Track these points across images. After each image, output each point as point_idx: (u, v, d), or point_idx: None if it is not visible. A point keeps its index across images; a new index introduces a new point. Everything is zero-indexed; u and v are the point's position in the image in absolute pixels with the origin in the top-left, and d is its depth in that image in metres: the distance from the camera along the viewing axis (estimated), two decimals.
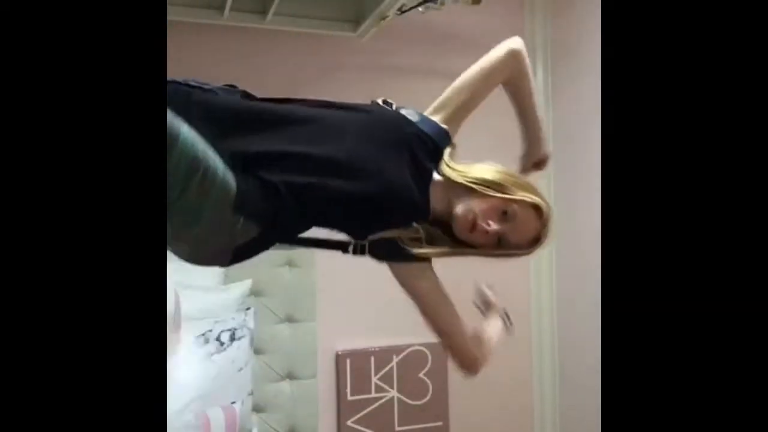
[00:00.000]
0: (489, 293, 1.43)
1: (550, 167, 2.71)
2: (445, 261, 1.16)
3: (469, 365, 1.23)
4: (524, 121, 1.29)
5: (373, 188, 1.06)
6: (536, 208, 1.12)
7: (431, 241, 1.15)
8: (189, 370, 1.92)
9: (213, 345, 2.04)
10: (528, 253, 1.15)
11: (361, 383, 2.47)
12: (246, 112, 1.07)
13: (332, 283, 2.40)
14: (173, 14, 2.01)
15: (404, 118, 1.14)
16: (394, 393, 2.50)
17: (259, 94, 1.13)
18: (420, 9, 2.20)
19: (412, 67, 2.53)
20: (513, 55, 1.21)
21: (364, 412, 2.46)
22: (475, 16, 2.45)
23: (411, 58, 2.55)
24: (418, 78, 2.39)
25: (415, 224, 1.14)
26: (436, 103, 1.20)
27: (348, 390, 2.45)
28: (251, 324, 2.16)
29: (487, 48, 1.22)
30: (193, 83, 1.08)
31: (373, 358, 2.47)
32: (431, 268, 1.19)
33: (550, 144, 1.35)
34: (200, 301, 2.09)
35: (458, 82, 1.20)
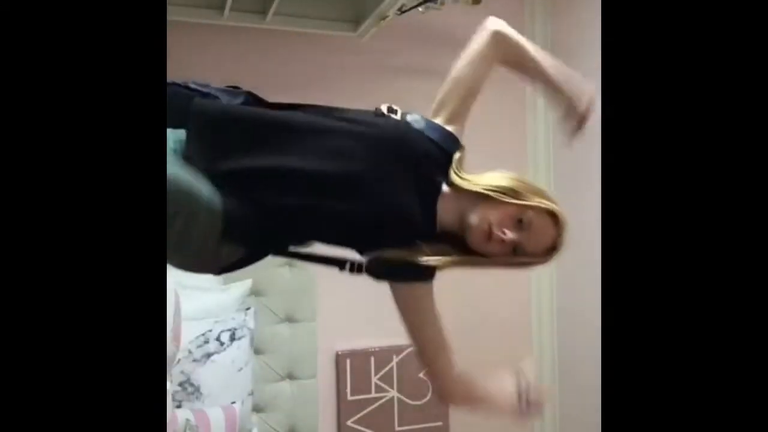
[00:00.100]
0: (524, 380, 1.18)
1: (551, 168, 2.74)
2: (444, 272, 1.11)
3: (445, 395, 1.20)
4: (545, 82, 1.21)
5: (369, 209, 1.03)
6: (552, 214, 1.08)
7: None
8: None
9: (213, 345, 2.04)
10: (544, 262, 1.11)
11: (361, 383, 2.47)
12: (243, 122, 1.04)
13: (332, 283, 2.37)
14: (173, 14, 2.01)
15: (410, 130, 1.10)
16: (394, 393, 2.50)
17: (259, 94, 1.12)
18: (420, 9, 2.20)
19: (412, 67, 2.53)
20: (495, 36, 1.18)
21: (364, 412, 2.46)
22: (475, 16, 2.43)
23: (411, 58, 2.54)
24: (418, 78, 2.38)
25: (418, 242, 1.08)
26: (435, 105, 1.18)
27: (348, 390, 2.45)
28: (251, 324, 2.16)
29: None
30: (192, 85, 1.06)
31: (373, 358, 2.48)
32: (432, 292, 1.15)
33: (583, 82, 1.21)
34: (200, 301, 2.09)
35: (450, 78, 1.18)
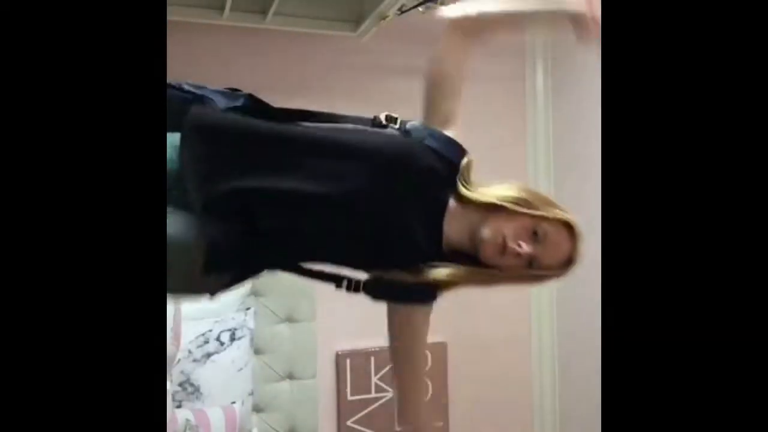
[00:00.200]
0: None
1: (551, 168, 2.74)
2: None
3: (409, 421, 1.21)
4: (531, 24, 1.18)
5: (369, 232, 0.99)
6: (568, 226, 1.03)
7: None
8: None
9: (213, 345, 2.04)
10: (560, 276, 1.06)
11: (361, 383, 2.47)
12: (240, 138, 0.99)
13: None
14: (173, 14, 2.01)
15: (411, 144, 1.04)
16: (394, 393, 2.50)
17: (259, 95, 1.09)
18: (420, 9, 2.20)
19: (412, 67, 2.51)
20: (452, 27, 1.14)
21: (364, 412, 2.46)
22: None
23: (411, 58, 2.53)
24: (419, 78, 2.38)
25: (421, 265, 1.04)
26: (424, 112, 1.12)
27: (348, 390, 2.45)
28: (251, 324, 2.16)
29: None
30: (186, 87, 1.03)
31: (373, 358, 2.47)
32: (429, 319, 1.12)
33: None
34: (200, 300, 2.08)
35: (427, 81, 1.14)
